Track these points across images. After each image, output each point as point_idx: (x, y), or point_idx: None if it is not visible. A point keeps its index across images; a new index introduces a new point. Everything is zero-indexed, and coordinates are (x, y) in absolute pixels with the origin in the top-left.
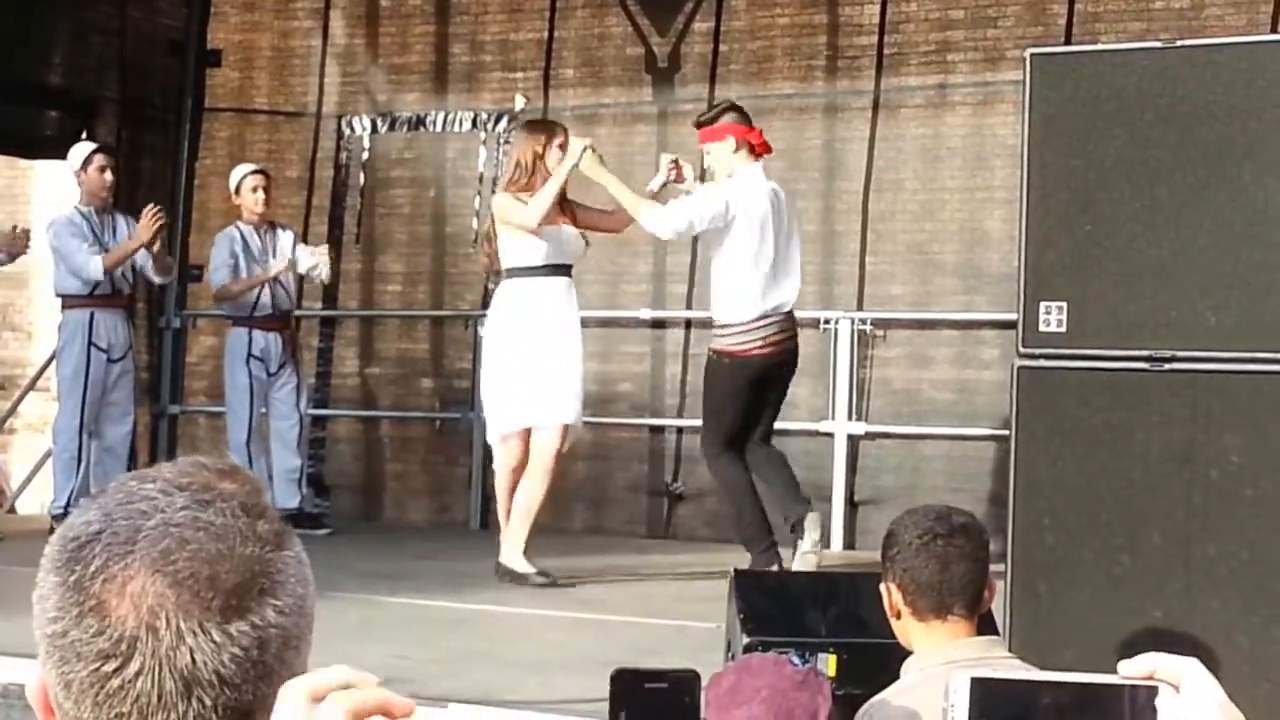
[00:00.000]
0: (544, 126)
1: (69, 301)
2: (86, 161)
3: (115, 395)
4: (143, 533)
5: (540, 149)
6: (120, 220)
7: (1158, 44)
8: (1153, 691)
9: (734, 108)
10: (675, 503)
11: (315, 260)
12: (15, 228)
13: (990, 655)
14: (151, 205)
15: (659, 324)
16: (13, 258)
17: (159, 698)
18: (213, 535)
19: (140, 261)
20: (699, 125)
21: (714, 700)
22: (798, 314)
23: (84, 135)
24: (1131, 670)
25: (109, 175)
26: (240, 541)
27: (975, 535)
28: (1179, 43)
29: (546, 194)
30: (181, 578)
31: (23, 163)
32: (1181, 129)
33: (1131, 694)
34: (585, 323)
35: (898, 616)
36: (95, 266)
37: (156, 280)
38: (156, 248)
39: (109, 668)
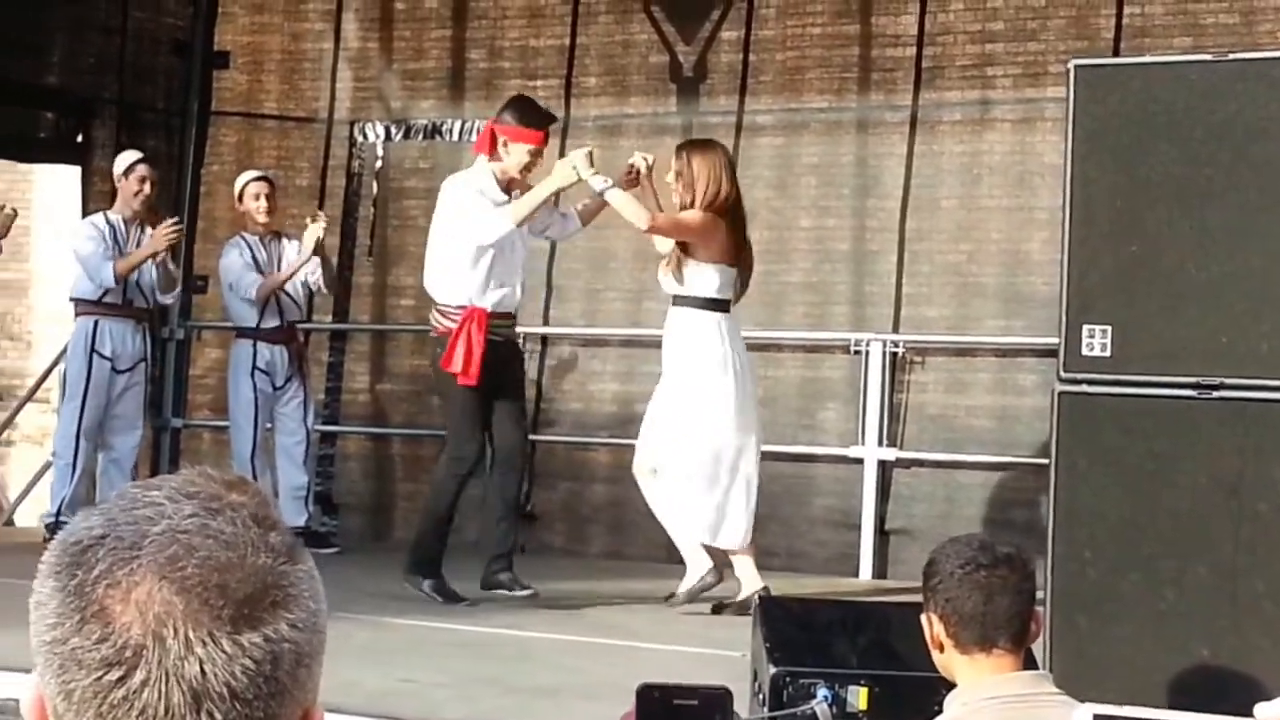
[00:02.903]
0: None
1: (79, 308)
2: (129, 170)
3: (121, 407)
4: (149, 538)
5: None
6: (148, 233)
7: (1208, 57)
8: None
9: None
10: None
11: (309, 243)
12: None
13: (1039, 691)
14: (174, 219)
15: None
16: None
17: (166, 710)
18: (222, 543)
19: (148, 277)
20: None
21: None
22: (828, 335)
23: (80, 138)
24: (1268, 715)
25: (147, 188)
26: (251, 551)
27: (1020, 567)
28: (1231, 56)
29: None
30: (190, 585)
31: (21, 166)
32: (1233, 146)
33: None
34: (608, 341)
35: (940, 649)
36: (107, 273)
37: (161, 299)
38: (162, 259)
39: (113, 677)
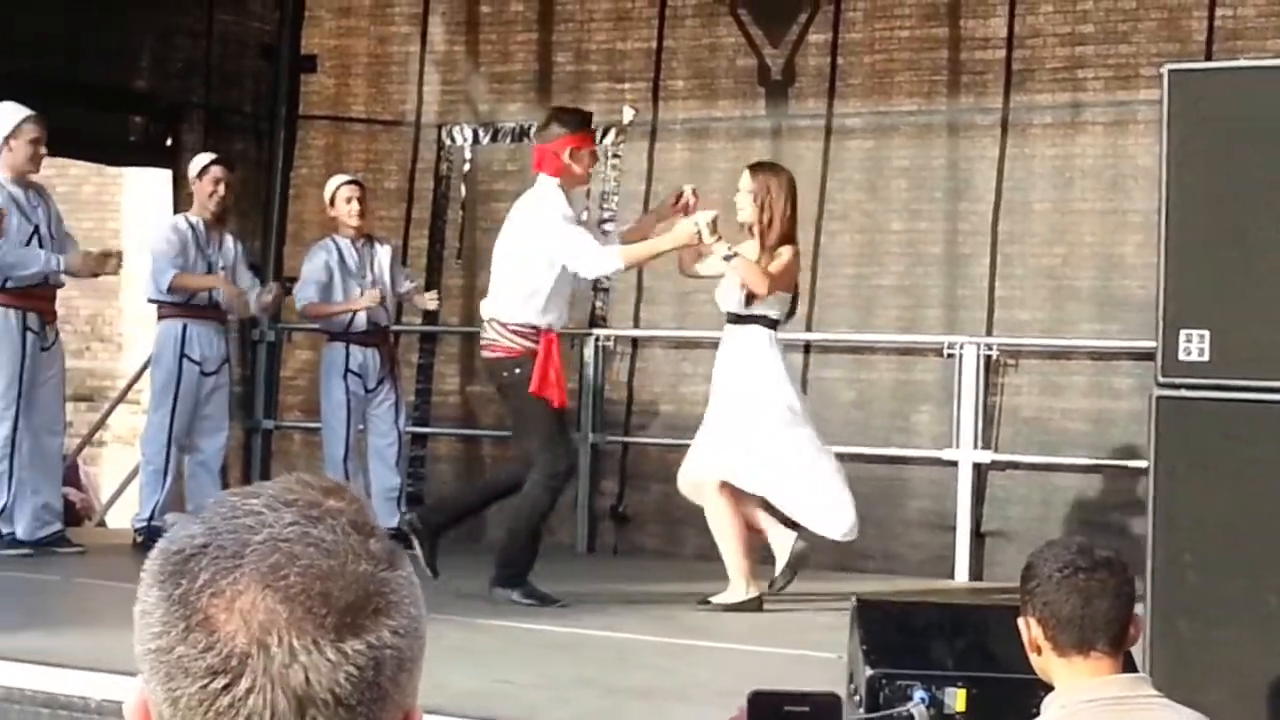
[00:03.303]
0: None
1: (163, 310)
2: (202, 171)
3: (209, 409)
4: (250, 547)
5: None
6: (228, 239)
7: None
8: None
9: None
10: (792, 529)
11: (412, 286)
12: (107, 253)
13: (1136, 694)
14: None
15: None
16: (96, 276)
17: (271, 717)
18: (323, 551)
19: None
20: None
21: None
22: (921, 338)
23: (169, 142)
24: None
25: (221, 189)
26: (352, 559)
27: (1119, 570)
28: None
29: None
30: (293, 593)
31: (111, 170)
32: None
33: None
34: (700, 343)
35: (1038, 652)
36: (166, 278)
37: (259, 315)
38: (269, 300)
39: (218, 685)
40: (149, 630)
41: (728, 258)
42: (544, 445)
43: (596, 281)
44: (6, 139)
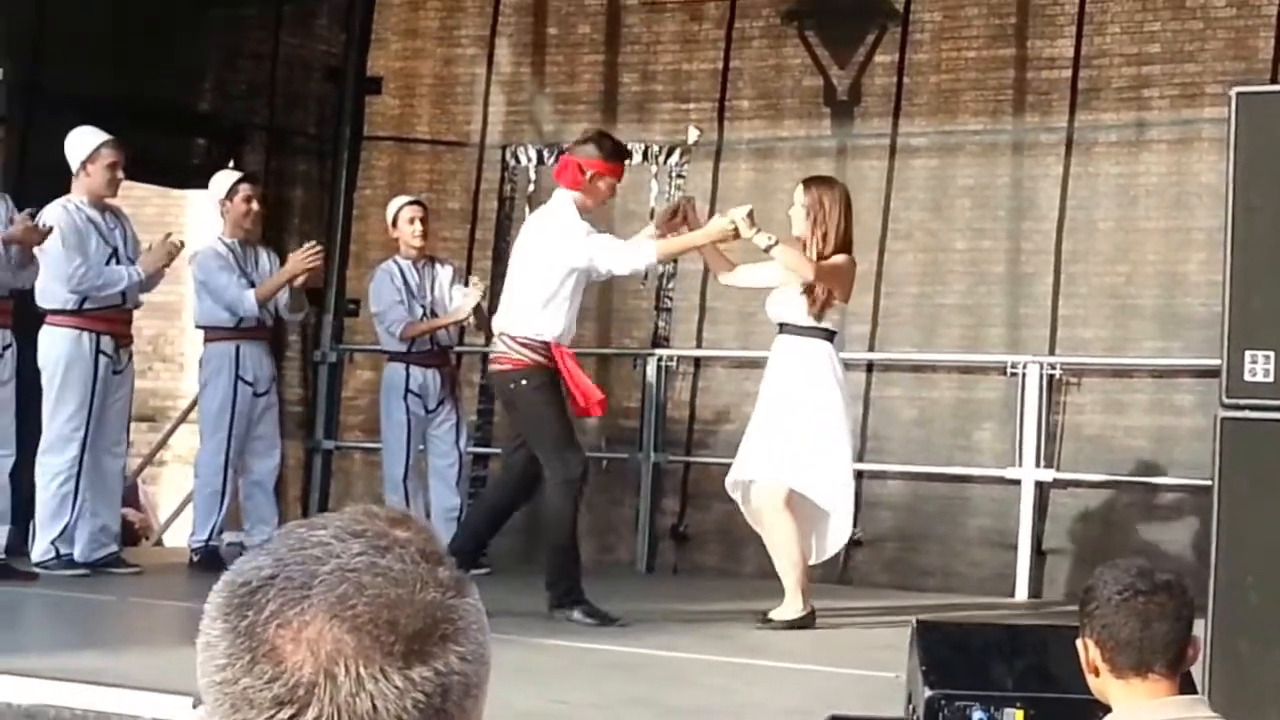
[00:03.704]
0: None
1: (213, 334)
2: (231, 191)
3: (261, 429)
4: (318, 578)
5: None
6: (263, 254)
7: None
8: None
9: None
10: (853, 548)
11: (466, 308)
12: (167, 237)
13: (1194, 715)
14: (313, 243)
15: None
16: (170, 263)
17: None
18: (391, 580)
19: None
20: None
21: None
22: (984, 358)
23: (231, 163)
24: None
25: (255, 206)
26: (420, 587)
27: (1179, 593)
28: None
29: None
30: (361, 623)
31: (174, 191)
32: None
33: None
34: (761, 363)
35: (1095, 673)
36: (250, 301)
37: (286, 316)
38: (300, 283)
39: (285, 715)
40: (213, 662)
41: (768, 248)
42: (556, 453)
43: (659, 301)
44: (84, 163)
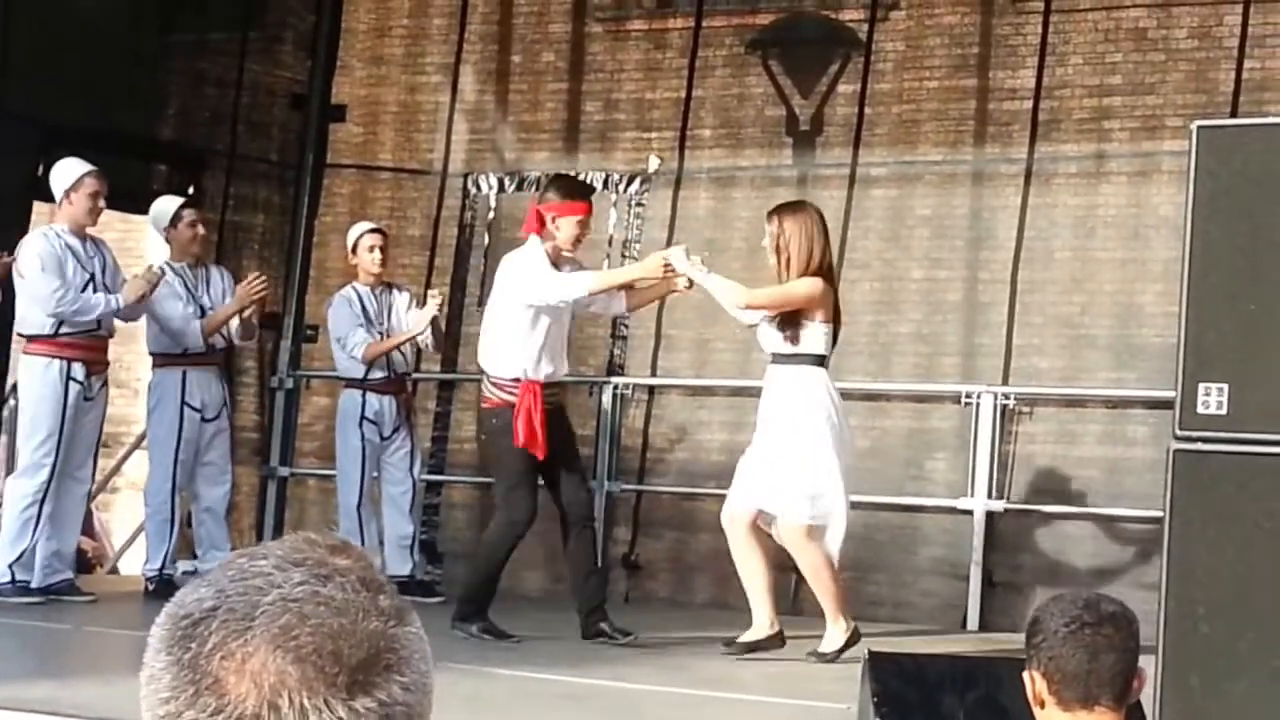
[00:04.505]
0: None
1: (160, 360)
2: (175, 218)
3: (211, 455)
4: (261, 608)
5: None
6: (214, 273)
7: None
8: None
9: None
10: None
11: (424, 320)
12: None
13: None
14: (257, 274)
15: None
16: (150, 294)
17: None
18: (334, 610)
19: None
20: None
21: None
22: (938, 387)
23: (191, 189)
24: None
25: (201, 230)
26: (362, 616)
27: (1125, 625)
28: None
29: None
30: (304, 654)
31: (135, 217)
32: None
33: None
34: (716, 391)
35: (1041, 705)
36: (195, 334)
37: (237, 342)
38: (248, 314)
39: None
40: (157, 695)
41: (692, 284)
42: (507, 493)
43: (615, 329)
44: (67, 192)
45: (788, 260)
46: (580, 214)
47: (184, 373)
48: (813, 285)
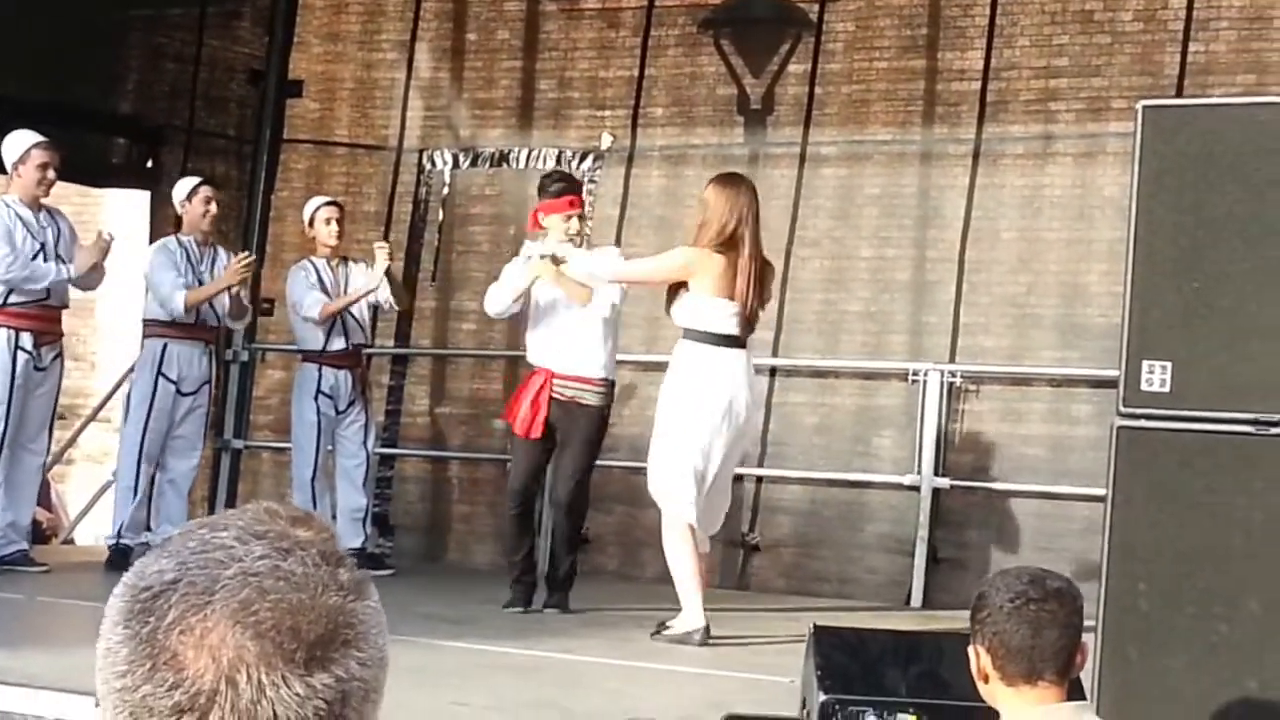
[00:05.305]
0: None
1: (149, 329)
2: (191, 193)
3: (183, 429)
4: (221, 583)
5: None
6: (220, 253)
7: (1277, 99)
8: None
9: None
10: (751, 553)
11: (376, 275)
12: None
13: None
14: (246, 253)
15: None
16: (103, 262)
17: None
18: (294, 585)
19: (219, 302)
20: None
21: None
22: (886, 364)
23: (149, 164)
24: None
25: (213, 208)
26: (322, 591)
27: (1069, 600)
28: None
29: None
30: (263, 629)
31: (93, 190)
32: None
33: None
34: (661, 367)
35: (985, 680)
36: (178, 301)
37: (230, 324)
38: (235, 291)
39: None
40: (114, 669)
41: (570, 251)
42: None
43: None
44: (15, 164)
45: (703, 225)
46: (570, 207)
47: (165, 344)
48: (684, 255)
